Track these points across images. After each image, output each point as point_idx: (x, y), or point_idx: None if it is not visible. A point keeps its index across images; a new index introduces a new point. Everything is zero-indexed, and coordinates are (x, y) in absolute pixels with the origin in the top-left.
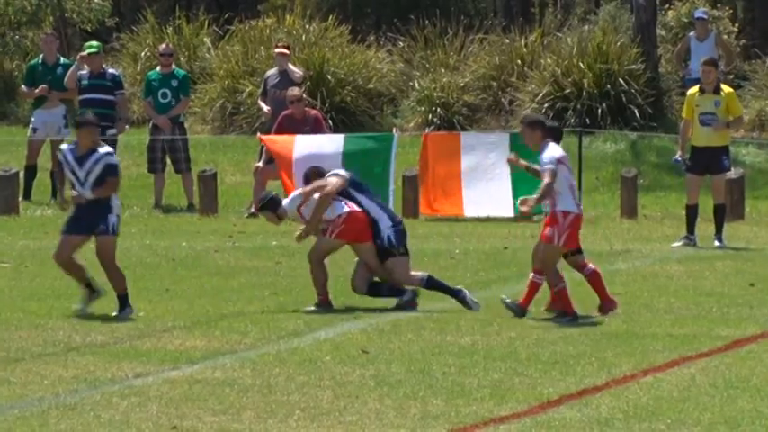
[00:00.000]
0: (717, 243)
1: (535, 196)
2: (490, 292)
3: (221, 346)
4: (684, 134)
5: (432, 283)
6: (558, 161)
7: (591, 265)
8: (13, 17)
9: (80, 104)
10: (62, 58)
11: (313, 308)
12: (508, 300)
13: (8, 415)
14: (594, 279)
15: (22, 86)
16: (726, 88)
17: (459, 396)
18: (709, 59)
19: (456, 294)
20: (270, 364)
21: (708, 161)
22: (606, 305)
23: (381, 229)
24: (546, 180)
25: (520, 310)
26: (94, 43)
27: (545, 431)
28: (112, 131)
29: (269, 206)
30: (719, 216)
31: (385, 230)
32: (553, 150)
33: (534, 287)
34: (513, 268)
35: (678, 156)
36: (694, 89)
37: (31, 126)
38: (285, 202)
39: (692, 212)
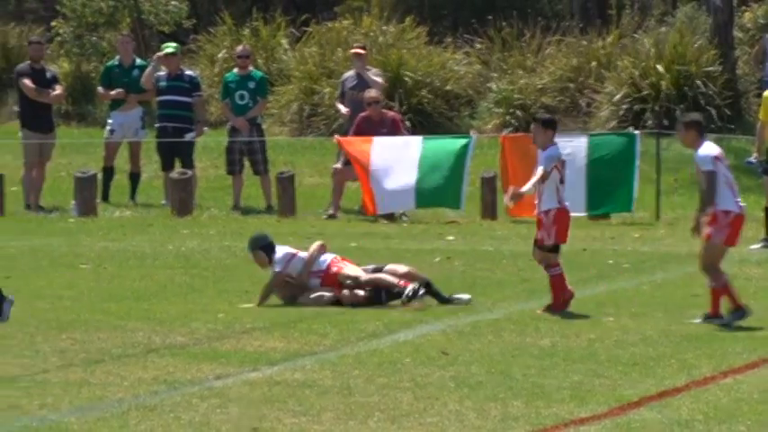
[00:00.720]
0: None
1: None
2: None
3: (301, 347)
4: (761, 136)
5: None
6: (716, 159)
7: (559, 268)
8: (89, 18)
9: (158, 106)
10: (138, 60)
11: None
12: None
13: (88, 417)
14: (557, 281)
15: (99, 88)
16: None
17: (539, 398)
18: None
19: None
20: (349, 365)
21: None
22: (557, 306)
23: None
24: (706, 184)
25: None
26: (172, 44)
27: None
28: (191, 134)
29: (266, 249)
30: None
31: None
32: (709, 148)
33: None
34: (593, 270)
35: (753, 158)
36: None
37: (108, 128)
38: (276, 257)
39: None
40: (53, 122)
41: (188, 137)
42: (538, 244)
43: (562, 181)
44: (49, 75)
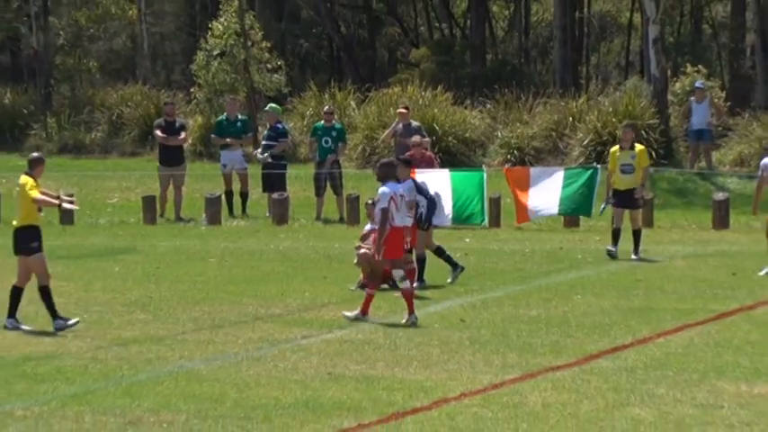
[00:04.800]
0: (634, 257)
1: None
2: (550, 280)
3: None
4: (609, 180)
5: (440, 252)
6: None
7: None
8: (217, 86)
9: (263, 149)
10: (239, 115)
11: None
12: None
13: (213, 365)
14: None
15: (213, 135)
16: (638, 146)
17: (528, 352)
18: (628, 124)
19: (455, 267)
20: (396, 329)
21: (627, 200)
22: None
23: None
24: None
25: None
26: (272, 104)
27: (588, 376)
28: (264, 156)
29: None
30: (636, 238)
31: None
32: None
33: None
34: (566, 262)
35: (605, 205)
36: (616, 147)
37: (221, 162)
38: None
39: (616, 233)
40: (182, 158)
41: (260, 158)
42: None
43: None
44: (177, 125)
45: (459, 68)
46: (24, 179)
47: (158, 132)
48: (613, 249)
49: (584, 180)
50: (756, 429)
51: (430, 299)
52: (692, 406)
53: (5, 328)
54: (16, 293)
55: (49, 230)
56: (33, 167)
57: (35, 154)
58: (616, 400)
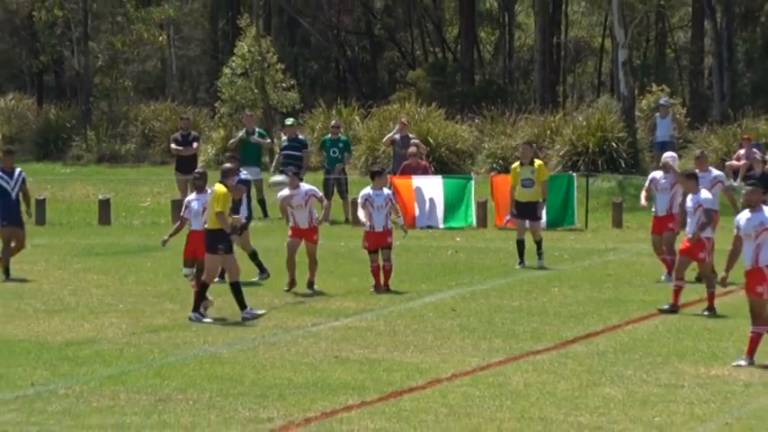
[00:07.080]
0: (540, 262)
1: None
2: (531, 274)
3: (365, 306)
4: (512, 194)
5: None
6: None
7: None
8: (239, 101)
9: (282, 157)
10: (257, 129)
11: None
12: None
13: (233, 349)
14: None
15: (230, 141)
16: (537, 162)
17: (511, 338)
18: (526, 142)
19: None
20: (395, 317)
21: (527, 212)
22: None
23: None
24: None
25: None
26: (291, 119)
27: (564, 359)
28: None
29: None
30: (539, 247)
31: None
32: None
33: None
34: (545, 258)
35: (509, 217)
36: (517, 164)
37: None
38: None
39: (520, 244)
40: (195, 167)
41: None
42: (390, 246)
43: (391, 214)
44: (190, 137)
45: (450, 88)
46: (218, 189)
47: (173, 145)
48: (520, 260)
49: (563, 188)
50: (713, 406)
51: (425, 291)
52: (657, 385)
53: (190, 320)
54: (202, 289)
55: (88, 230)
56: (226, 177)
57: (227, 165)
58: (589, 381)
